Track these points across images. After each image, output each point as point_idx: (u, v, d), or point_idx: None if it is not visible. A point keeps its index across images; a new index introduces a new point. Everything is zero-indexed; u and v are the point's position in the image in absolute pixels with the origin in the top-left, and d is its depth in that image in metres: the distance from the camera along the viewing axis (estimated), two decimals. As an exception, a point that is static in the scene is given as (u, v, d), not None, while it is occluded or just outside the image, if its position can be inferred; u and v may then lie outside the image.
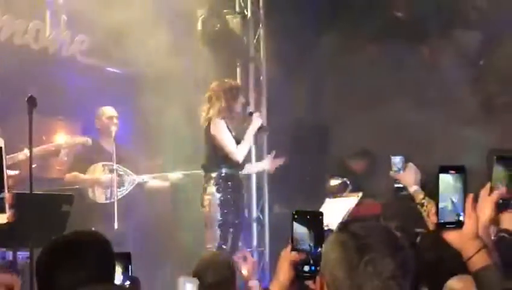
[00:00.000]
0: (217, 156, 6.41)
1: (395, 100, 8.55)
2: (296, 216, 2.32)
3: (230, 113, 6.46)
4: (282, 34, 8.25)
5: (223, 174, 6.36)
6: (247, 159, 6.93)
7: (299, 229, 2.30)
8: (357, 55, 8.74)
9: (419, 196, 3.93)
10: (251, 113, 6.65)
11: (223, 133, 6.40)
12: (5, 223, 1.71)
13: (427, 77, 8.82)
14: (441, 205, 2.05)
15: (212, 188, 6.32)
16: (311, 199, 7.27)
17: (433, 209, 2.08)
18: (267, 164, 6.97)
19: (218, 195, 6.29)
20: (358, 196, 5.83)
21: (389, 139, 8.29)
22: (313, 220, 2.30)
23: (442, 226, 2.06)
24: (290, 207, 8.20)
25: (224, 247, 6.17)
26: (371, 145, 8.36)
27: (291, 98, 8.33)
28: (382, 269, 1.83)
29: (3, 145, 1.69)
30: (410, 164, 4.09)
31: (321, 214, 2.33)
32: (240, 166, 6.50)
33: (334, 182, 7.27)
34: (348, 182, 6.84)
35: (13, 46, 6.83)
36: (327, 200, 6.06)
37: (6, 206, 1.68)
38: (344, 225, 1.93)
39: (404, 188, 4.10)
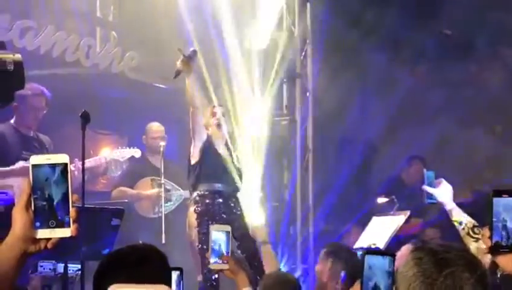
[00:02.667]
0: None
1: (442, 118, 8.49)
2: (367, 255, 2.30)
3: None
4: (329, 51, 8.26)
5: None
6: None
7: (370, 268, 2.28)
8: (404, 72, 8.71)
9: (457, 213, 3.88)
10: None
11: None
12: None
13: (475, 94, 8.75)
14: (494, 229, 2.05)
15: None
16: (357, 217, 7.24)
17: (487, 233, 2.07)
18: None
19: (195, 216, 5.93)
20: (406, 215, 5.77)
21: (436, 157, 8.22)
22: (386, 260, 2.28)
23: (495, 250, 2.05)
24: (335, 224, 8.18)
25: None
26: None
27: (338, 114, 8.33)
28: (462, 283, 1.85)
29: (68, 161, 1.72)
30: (443, 180, 4.03)
31: (394, 254, 2.31)
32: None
33: (382, 200, 7.22)
34: (396, 200, 6.78)
35: (65, 62, 6.95)
36: (374, 218, 6.01)
37: (71, 221, 1.70)
38: (419, 245, 1.96)
39: (438, 204, 4.04)
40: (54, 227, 1.68)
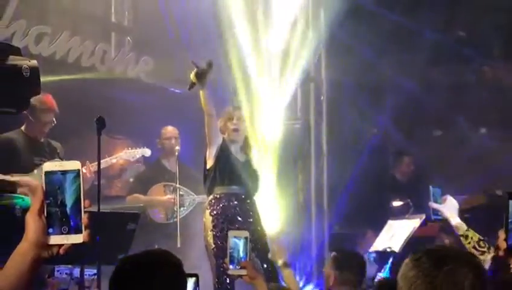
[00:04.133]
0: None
1: (456, 121, 8.46)
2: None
3: None
4: (343, 54, 8.25)
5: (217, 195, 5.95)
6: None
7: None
8: (417, 75, 8.69)
9: (463, 228, 3.90)
10: None
11: None
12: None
13: (489, 98, 8.71)
14: (510, 231, 2.04)
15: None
16: (372, 220, 7.23)
17: (502, 236, 2.07)
18: None
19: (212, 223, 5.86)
20: (421, 218, 5.77)
21: (450, 159, 8.20)
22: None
23: (511, 252, 2.05)
24: (350, 228, 8.17)
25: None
26: (432, 166, 8.28)
27: (352, 117, 8.32)
28: (463, 279, 1.88)
29: (80, 168, 1.74)
30: (449, 196, 4.06)
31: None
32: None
33: (397, 203, 7.21)
34: (411, 204, 6.77)
35: (80, 67, 6.99)
36: (389, 221, 6.01)
37: (83, 227, 1.72)
38: (416, 250, 1.98)
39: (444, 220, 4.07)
40: (66, 233, 1.69)
